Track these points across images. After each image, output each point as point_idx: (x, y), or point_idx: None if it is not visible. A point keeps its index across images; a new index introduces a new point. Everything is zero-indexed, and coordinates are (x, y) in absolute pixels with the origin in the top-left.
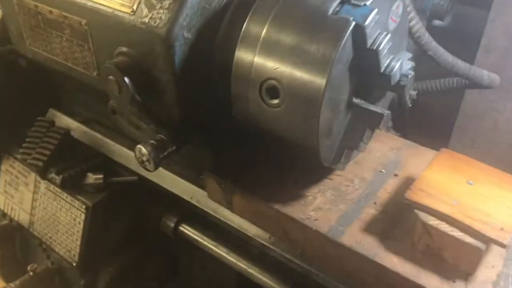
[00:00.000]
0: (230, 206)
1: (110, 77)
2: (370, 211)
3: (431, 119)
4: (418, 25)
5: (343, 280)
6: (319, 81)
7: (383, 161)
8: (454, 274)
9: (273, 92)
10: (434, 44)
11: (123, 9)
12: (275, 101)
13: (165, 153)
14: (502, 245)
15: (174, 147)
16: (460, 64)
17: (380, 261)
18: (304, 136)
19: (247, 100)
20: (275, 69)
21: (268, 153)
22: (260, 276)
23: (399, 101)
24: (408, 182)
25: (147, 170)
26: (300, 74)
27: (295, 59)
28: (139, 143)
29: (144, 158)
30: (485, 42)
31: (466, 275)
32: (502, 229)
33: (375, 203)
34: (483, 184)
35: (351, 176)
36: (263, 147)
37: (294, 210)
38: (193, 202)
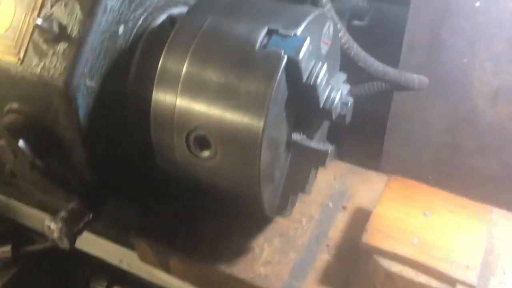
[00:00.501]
0: (167, 270)
1: (0, 141)
2: (324, 257)
3: (365, 123)
4: (345, 37)
5: None
6: (256, 124)
7: (328, 192)
8: None
9: (203, 143)
10: (363, 54)
11: (8, 57)
12: (206, 153)
13: (80, 225)
14: (471, 286)
15: (91, 215)
16: (392, 72)
17: None
18: (243, 187)
19: (172, 149)
20: (202, 114)
21: (206, 203)
22: None
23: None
24: (359, 216)
25: (61, 247)
26: (232, 119)
27: (225, 103)
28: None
29: (55, 236)
30: (408, 39)
31: None
32: (467, 266)
33: (328, 246)
34: (440, 214)
35: (298, 216)
36: (199, 197)
37: (242, 269)
38: (123, 266)
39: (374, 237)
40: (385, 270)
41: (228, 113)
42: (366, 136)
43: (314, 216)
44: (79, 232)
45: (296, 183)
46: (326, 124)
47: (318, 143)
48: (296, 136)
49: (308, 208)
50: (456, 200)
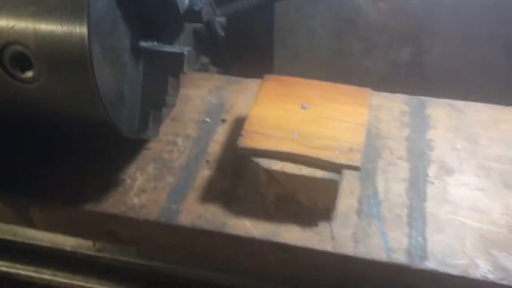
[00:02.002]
0: (31, 224)
1: None
2: (205, 174)
3: (251, 42)
4: None
5: (196, 264)
6: (78, 30)
7: (205, 108)
8: (315, 216)
9: (23, 61)
10: None
11: None
12: (30, 73)
13: None
14: (356, 168)
15: None
16: None
17: (230, 231)
18: (86, 110)
19: None
20: (11, 27)
21: (62, 140)
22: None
23: (210, 33)
24: (240, 125)
25: None
26: (49, 28)
27: (34, 8)
28: None
29: None
30: None
31: (328, 213)
32: (350, 149)
33: (208, 162)
34: (318, 105)
35: (172, 138)
36: (52, 136)
37: (112, 204)
38: None
39: (250, 139)
40: (265, 170)
41: (42, 21)
42: (255, 53)
43: (191, 134)
44: None
45: (156, 96)
46: (188, 33)
47: (172, 47)
48: (146, 43)
49: (183, 127)
50: (335, 89)
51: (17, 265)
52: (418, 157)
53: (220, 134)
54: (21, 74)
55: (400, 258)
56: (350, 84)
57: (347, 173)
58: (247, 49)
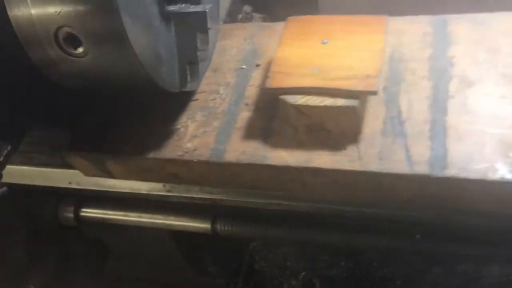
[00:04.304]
0: (110, 175)
1: None
2: (244, 116)
3: None
4: None
5: (248, 194)
6: (110, 7)
7: (241, 56)
8: (343, 141)
9: (73, 40)
10: None
11: None
12: (80, 50)
13: (0, 159)
14: (373, 93)
15: (9, 147)
16: None
17: (269, 162)
18: (131, 73)
19: (51, 59)
20: (59, 13)
21: (119, 102)
22: (179, 223)
23: None
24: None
25: None
26: (86, 9)
27: None
28: None
29: None
30: None
31: (354, 137)
32: (367, 76)
33: (246, 104)
34: (338, 38)
35: (215, 87)
36: (113, 100)
37: (170, 150)
38: (74, 186)
39: (276, 80)
40: (292, 105)
41: (80, 3)
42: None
43: (230, 82)
44: (1, 165)
45: (190, 52)
46: None
47: (196, 7)
48: (172, 7)
49: (223, 76)
50: (354, 20)
51: (108, 211)
52: (440, 74)
53: (255, 78)
54: (74, 50)
55: (422, 169)
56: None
57: (371, 99)
58: None
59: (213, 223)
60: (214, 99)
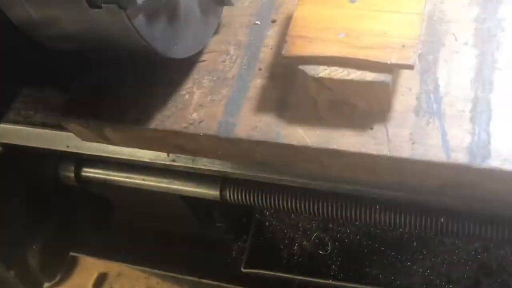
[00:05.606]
0: (109, 141)
1: None
2: (257, 83)
3: None
4: None
5: (258, 169)
6: None
7: (254, 10)
8: (369, 119)
9: None
10: None
11: None
12: None
13: None
14: (410, 67)
15: None
16: None
17: (283, 141)
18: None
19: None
20: None
21: (118, 66)
22: (186, 188)
23: None
24: (288, 26)
25: None
26: None
27: None
28: None
29: None
30: None
31: (383, 114)
32: (403, 46)
33: (260, 70)
34: None
35: (224, 47)
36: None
37: (174, 121)
38: (72, 150)
39: (294, 46)
40: (312, 78)
41: None
42: None
43: (242, 41)
44: None
45: None
46: None
47: None
48: None
49: (234, 34)
50: None
51: (111, 172)
52: (487, 40)
53: (271, 37)
54: None
55: (460, 157)
56: None
57: (404, 69)
58: None
59: (221, 190)
60: (224, 61)
